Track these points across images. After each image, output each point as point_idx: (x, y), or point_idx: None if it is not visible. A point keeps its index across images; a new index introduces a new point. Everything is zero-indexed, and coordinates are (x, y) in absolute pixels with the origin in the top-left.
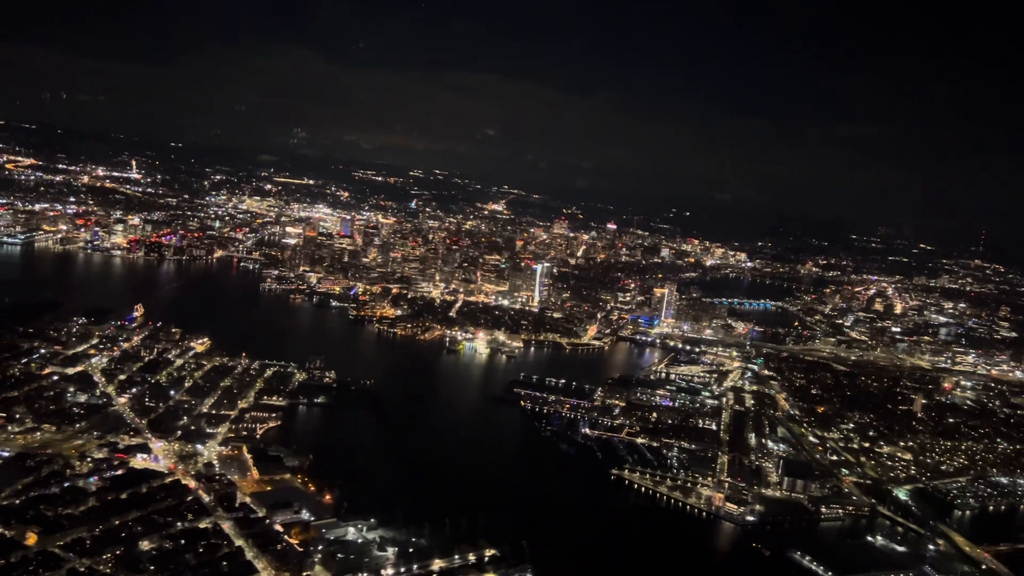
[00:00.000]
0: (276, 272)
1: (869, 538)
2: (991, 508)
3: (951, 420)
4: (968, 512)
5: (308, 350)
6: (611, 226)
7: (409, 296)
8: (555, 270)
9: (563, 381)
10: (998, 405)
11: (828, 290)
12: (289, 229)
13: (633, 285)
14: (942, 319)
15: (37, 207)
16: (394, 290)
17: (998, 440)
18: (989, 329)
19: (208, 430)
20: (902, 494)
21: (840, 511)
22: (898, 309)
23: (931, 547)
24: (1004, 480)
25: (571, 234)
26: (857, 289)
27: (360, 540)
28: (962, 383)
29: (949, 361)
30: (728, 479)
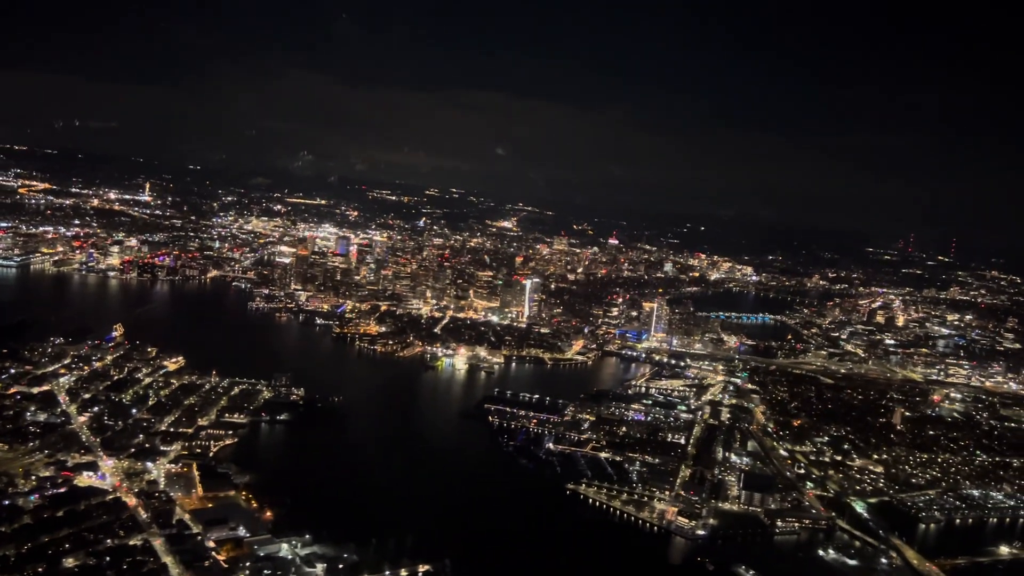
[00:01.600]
0: (266, 291)
1: (821, 552)
2: (958, 521)
3: (931, 432)
4: (932, 525)
5: (283, 368)
6: (612, 241)
7: (397, 313)
8: (552, 285)
9: (536, 396)
10: (985, 417)
11: (831, 303)
12: (283, 248)
13: (620, 300)
14: (944, 331)
15: (40, 230)
16: (382, 307)
17: (977, 452)
18: (992, 341)
19: (161, 448)
20: (860, 507)
21: (796, 524)
22: (900, 321)
23: (884, 561)
24: (975, 493)
25: (576, 250)
26: (861, 302)
27: (291, 557)
28: (952, 395)
29: (942, 373)
30: (682, 492)
